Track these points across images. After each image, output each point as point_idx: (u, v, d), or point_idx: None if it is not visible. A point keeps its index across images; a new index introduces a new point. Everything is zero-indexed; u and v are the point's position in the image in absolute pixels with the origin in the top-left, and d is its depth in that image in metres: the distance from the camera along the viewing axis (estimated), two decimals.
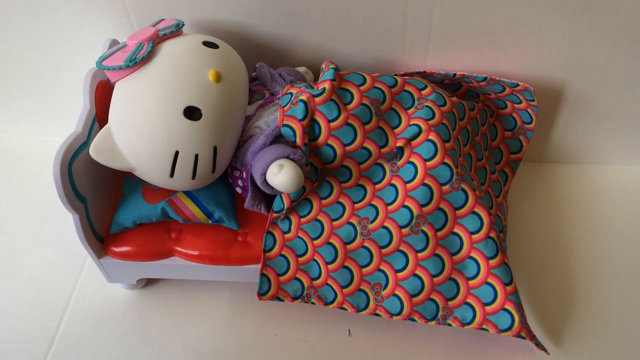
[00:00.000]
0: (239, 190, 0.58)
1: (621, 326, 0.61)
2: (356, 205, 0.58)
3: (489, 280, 0.55)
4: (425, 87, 0.59)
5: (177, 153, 0.52)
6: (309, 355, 0.60)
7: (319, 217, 0.57)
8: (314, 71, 0.67)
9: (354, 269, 0.57)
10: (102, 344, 0.62)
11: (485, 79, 0.61)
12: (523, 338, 0.55)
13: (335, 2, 0.60)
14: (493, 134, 0.66)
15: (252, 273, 0.59)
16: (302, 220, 0.57)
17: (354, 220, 0.57)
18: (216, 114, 0.52)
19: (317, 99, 0.55)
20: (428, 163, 0.55)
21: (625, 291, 0.63)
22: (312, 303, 0.58)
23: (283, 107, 0.57)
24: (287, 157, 0.53)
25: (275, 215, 0.57)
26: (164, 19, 0.59)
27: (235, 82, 0.55)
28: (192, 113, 0.52)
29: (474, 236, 0.55)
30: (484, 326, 0.55)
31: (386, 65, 0.66)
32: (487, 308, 0.55)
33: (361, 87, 0.56)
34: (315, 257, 0.57)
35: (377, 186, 0.58)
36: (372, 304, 0.57)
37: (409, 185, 0.55)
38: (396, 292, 0.56)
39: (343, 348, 0.60)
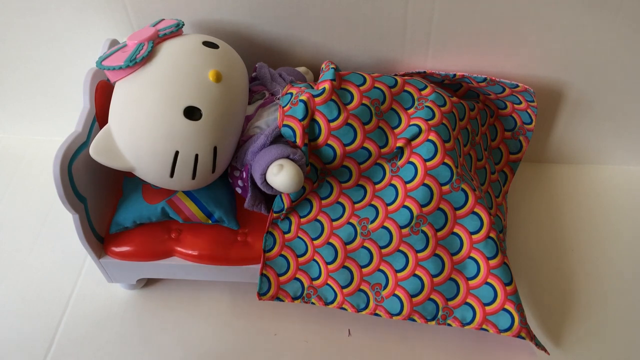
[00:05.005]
0: (239, 190, 0.58)
1: (621, 326, 0.61)
2: (356, 206, 0.58)
3: (489, 280, 0.55)
4: (425, 87, 0.59)
5: (177, 153, 0.52)
6: (309, 355, 0.60)
7: (319, 217, 0.57)
8: (314, 71, 0.67)
9: (354, 269, 0.57)
10: (102, 344, 0.62)
11: (485, 79, 0.61)
12: (523, 338, 0.55)
13: (335, 2, 0.60)
14: (493, 134, 0.66)
15: (252, 273, 0.59)
16: (302, 220, 0.57)
17: (354, 221, 0.57)
18: (216, 114, 0.52)
19: (317, 99, 0.55)
20: (428, 163, 0.55)
21: (625, 291, 0.63)
22: (312, 303, 0.58)
23: (283, 107, 0.57)
24: (287, 157, 0.53)
25: (275, 215, 0.57)
26: (164, 19, 0.59)
27: (235, 82, 0.55)
28: (192, 113, 0.52)
29: (474, 236, 0.55)
30: (484, 326, 0.55)
31: (386, 65, 0.66)
32: (487, 308, 0.55)
33: (361, 87, 0.56)
34: (315, 257, 0.57)
35: (377, 186, 0.58)
36: (372, 304, 0.57)
37: (409, 186, 0.55)
38: (396, 292, 0.56)
39: (343, 348, 0.60)
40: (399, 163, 0.57)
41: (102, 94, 0.58)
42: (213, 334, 0.62)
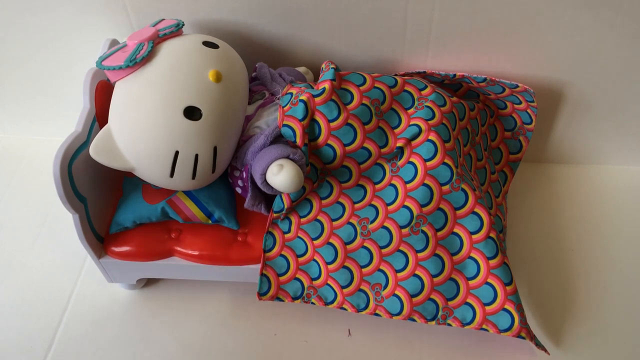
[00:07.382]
0: (239, 190, 0.58)
1: (621, 326, 0.61)
2: (356, 205, 0.58)
3: (489, 280, 0.55)
4: (425, 87, 0.59)
5: (177, 153, 0.52)
6: (309, 355, 0.60)
7: (319, 217, 0.57)
8: (314, 71, 0.67)
9: (354, 269, 0.57)
10: (102, 344, 0.62)
11: (485, 79, 0.61)
12: (523, 338, 0.55)
13: (335, 2, 0.60)
14: (493, 134, 0.66)
15: (252, 273, 0.59)
16: (302, 220, 0.57)
17: (354, 221, 0.57)
18: (216, 114, 0.52)
19: (317, 99, 0.55)
20: (428, 163, 0.55)
21: (625, 291, 0.63)
22: (312, 303, 0.58)
23: (283, 107, 0.57)
24: (287, 157, 0.53)
25: (275, 215, 0.57)
26: (164, 19, 0.59)
27: (235, 82, 0.55)
28: (192, 113, 0.52)
29: (474, 236, 0.55)
30: (484, 326, 0.55)
31: (386, 65, 0.66)
32: (487, 308, 0.55)
33: (361, 87, 0.56)
34: (315, 257, 0.57)
35: (377, 186, 0.58)
36: (372, 304, 0.57)
37: (409, 186, 0.55)
38: (396, 292, 0.56)
39: (343, 348, 0.60)
40: (399, 163, 0.57)
41: (102, 94, 0.58)
42: (213, 334, 0.62)
